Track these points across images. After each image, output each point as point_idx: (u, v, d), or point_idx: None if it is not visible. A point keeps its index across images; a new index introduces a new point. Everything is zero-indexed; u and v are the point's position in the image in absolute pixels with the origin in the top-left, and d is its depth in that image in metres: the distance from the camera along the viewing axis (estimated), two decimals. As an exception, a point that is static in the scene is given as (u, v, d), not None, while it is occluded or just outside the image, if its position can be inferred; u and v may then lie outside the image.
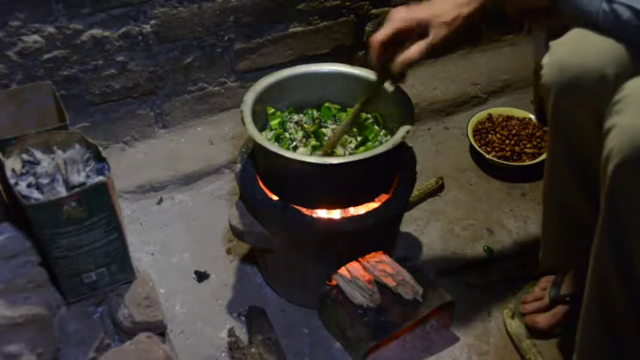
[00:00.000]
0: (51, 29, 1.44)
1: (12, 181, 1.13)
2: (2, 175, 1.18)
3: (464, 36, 1.10)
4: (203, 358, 1.28)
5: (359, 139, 1.28)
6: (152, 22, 1.55)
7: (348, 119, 1.25)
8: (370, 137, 1.26)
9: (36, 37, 1.43)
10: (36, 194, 1.14)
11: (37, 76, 1.48)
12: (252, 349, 1.25)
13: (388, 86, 1.24)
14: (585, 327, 1.05)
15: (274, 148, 1.14)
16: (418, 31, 1.09)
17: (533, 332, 1.31)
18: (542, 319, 1.31)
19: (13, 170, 1.16)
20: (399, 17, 1.10)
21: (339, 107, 1.34)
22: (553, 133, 1.16)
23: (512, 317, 1.33)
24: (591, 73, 1.02)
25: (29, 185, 1.15)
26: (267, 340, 1.27)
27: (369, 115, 1.32)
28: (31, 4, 1.39)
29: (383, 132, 1.30)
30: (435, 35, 1.08)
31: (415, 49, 1.09)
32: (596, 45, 1.01)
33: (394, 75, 1.15)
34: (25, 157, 1.19)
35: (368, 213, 1.21)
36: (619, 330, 1.01)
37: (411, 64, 1.10)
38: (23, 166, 1.18)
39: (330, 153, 1.23)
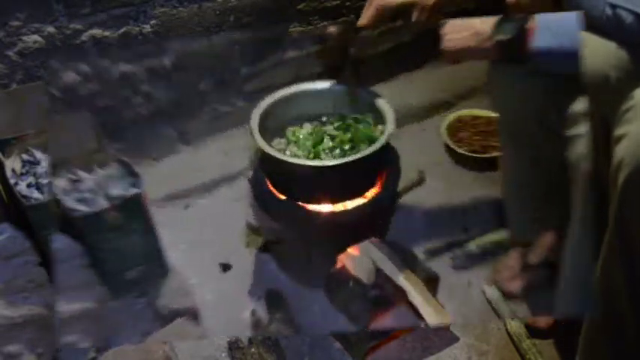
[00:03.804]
0: (51, 29, 1.31)
1: (12, 181, 1.05)
2: (3, 176, 1.09)
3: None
4: (203, 358, 1.22)
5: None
6: (152, 21, 1.42)
7: None
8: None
9: (36, 37, 1.30)
10: (36, 194, 1.07)
11: (37, 76, 1.34)
12: (252, 349, 1.18)
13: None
14: (590, 335, 0.97)
15: (279, 155, 1.15)
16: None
17: (533, 332, 1.22)
18: (515, 284, 1.29)
19: (13, 170, 1.08)
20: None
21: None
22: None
23: (490, 286, 1.31)
24: (594, 75, 0.91)
25: (29, 185, 1.09)
26: (266, 340, 1.20)
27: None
28: (31, 4, 1.27)
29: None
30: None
31: None
32: (599, 48, 0.90)
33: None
34: (25, 157, 1.12)
35: (361, 205, 1.22)
36: (625, 340, 0.92)
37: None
38: (23, 166, 1.10)
39: None
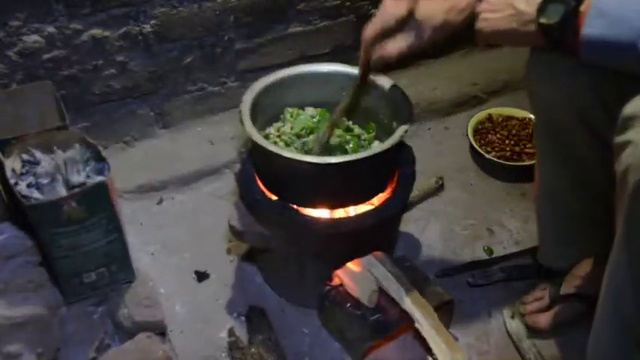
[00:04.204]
0: (51, 29, 1.45)
1: (12, 181, 1.14)
2: (2, 174, 1.18)
3: (449, 41, 1.07)
4: (203, 358, 1.28)
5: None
6: (152, 21, 1.55)
7: (336, 116, 1.26)
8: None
9: (36, 37, 1.44)
10: (36, 194, 1.14)
11: (37, 76, 1.48)
12: (252, 349, 1.25)
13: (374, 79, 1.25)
14: (597, 346, 0.99)
15: (272, 147, 1.14)
16: (406, 27, 1.06)
17: (534, 332, 1.30)
18: (543, 319, 1.31)
19: (13, 170, 1.17)
20: (388, 13, 1.07)
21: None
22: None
23: (512, 317, 1.33)
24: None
25: (29, 185, 1.16)
26: (267, 340, 1.27)
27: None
28: (31, 4, 1.40)
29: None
30: (418, 38, 1.05)
31: (394, 48, 1.07)
32: None
33: (374, 69, 1.15)
34: (25, 157, 1.20)
35: (367, 213, 1.21)
36: (633, 350, 0.94)
37: (389, 61, 1.08)
38: (23, 166, 1.19)
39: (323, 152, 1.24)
